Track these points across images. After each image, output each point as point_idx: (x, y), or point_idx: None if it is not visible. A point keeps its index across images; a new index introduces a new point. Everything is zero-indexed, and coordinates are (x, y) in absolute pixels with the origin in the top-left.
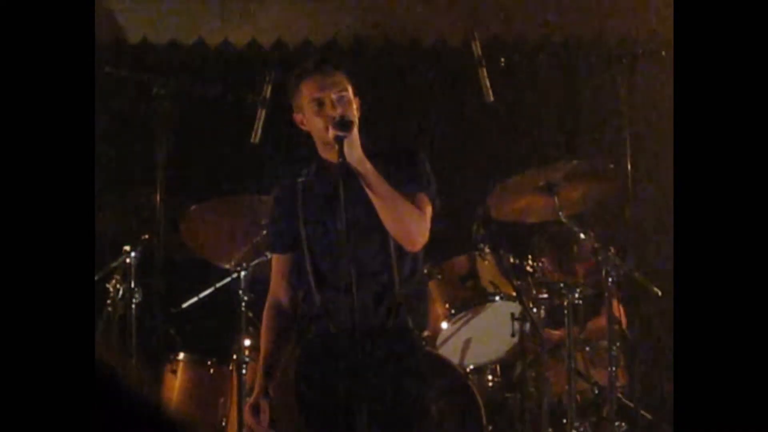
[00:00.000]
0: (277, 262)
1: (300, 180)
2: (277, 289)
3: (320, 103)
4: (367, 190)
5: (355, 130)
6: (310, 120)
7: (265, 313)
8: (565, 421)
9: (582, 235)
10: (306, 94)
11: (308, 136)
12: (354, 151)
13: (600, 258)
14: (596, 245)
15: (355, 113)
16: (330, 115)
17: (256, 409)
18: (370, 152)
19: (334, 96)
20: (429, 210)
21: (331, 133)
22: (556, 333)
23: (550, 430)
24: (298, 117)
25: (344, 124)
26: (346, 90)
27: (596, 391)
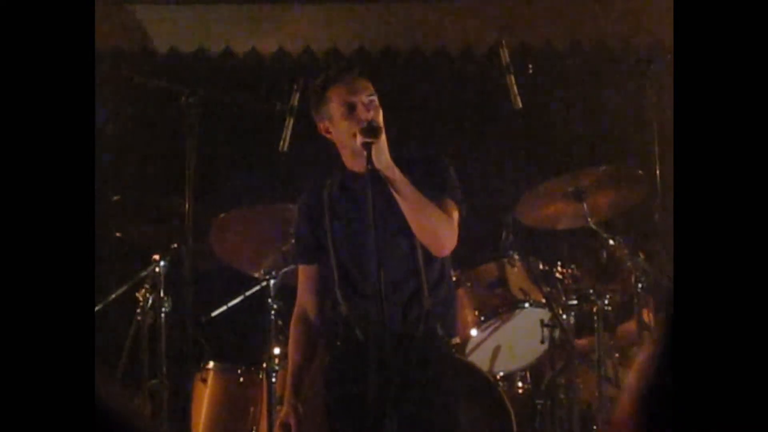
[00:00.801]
0: (303, 272)
1: (325, 189)
2: (304, 301)
3: (351, 107)
4: (396, 196)
5: (383, 136)
6: (337, 126)
7: (292, 326)
8: (595, 427)
9: (611, 241)
10: (335, 100)
11: (333, 145)
12: (382, 157)
13: (629, 264)
14: (625, 251)
15: (382, 119)
16: (360, 119)
17: (286, 428)
18: (396, 159)
19: (365, 99)
20: (456, 215)
21: (360, 139)
22: (581, 342)
23: None
24: (323, 125)
25: (372, 130)
26: (374, 95)
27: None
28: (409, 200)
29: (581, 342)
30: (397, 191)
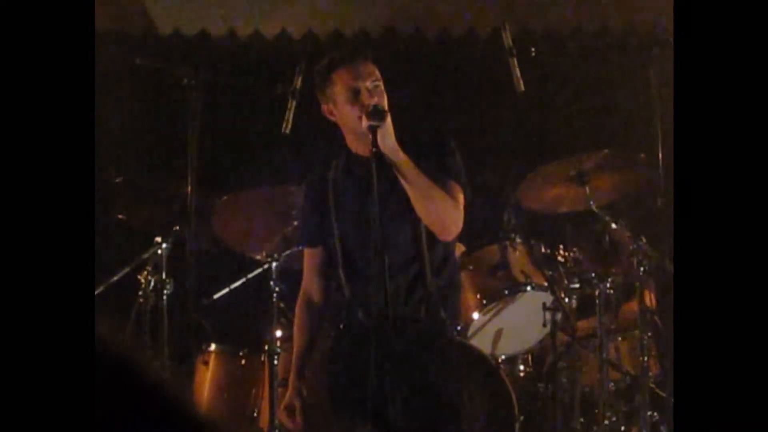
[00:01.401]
0: (308, 256)
1: (330, 173)
2: (309, 284)
3: (356, 92)
4: (401, 180)
5: (389, 119)
6: (342, 110)
7: (297, 309)
8: (597, 411)
9: (614, 225)
10: (339, 83)
11: (336, 127)
12: (387, 140)
13: (631, 247)
14: (627, 235)
15: (386, 102)
16: (365, 104)
17: (290, 410)
18: (401, 142)
19: (369, 85)
20: (461, 198)
21: (365, 122)
22: (583, 325)
23: (581, 420)
24: (327, 107)
25: (378, 113)
26: (380, 80)
27: (628, 381)
28: (413, 183)
29: (583, 325)
30: (401, 174)
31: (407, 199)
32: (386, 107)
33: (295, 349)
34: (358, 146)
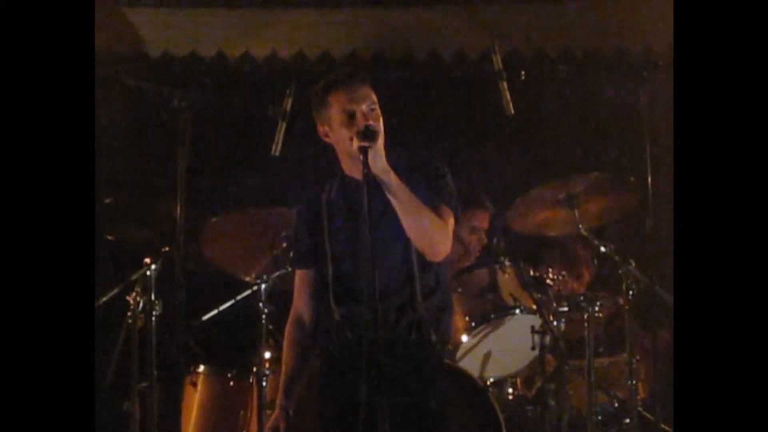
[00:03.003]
0: (299, 277)
1: (323, 194)
2: (300, 305)
3: (351, 115)
4: (392, 200)
5: (380, 141)
6: (336, 131)
7: (287, 329)
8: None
9: (602, 248)
10: (336, 105)
11: (330, 149)
12: (378, 161)
13: (620, 271)
14: (616, 258)
15: (381, 126)
16: (359, 127)
17: (275, 431)
18: (392, 164)
19: (365, 108)
20: (452, 221)
21: (356, 143)
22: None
23: None
24: (322, 129)
25: (369, 134)
26: (375, 103)
27: (616, 404)
28: (404, 205)
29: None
30: (392, 195)
31: (398, 222)
32: (380, 130)
33: (283, 370)
34: (352, 169)
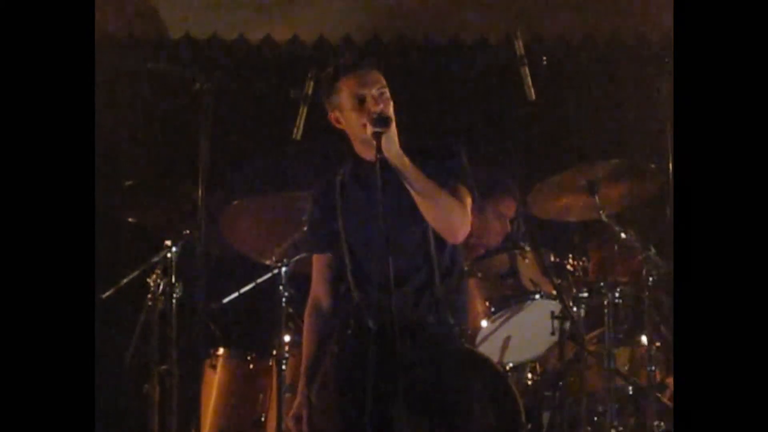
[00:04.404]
0: (317, 262)
1: (338, 178)
2: (318, 290)
3: (361, 100)
4: (407, 185)
5: (393, 126)
6: (347, 117)
7: (306, 315)
8: (604, 420)
9: (622, 234)
10: (346, 91)
11: (344, 133)
12: (392, 146)
13: (641, 257)
14: (637, 244)
15: (392, 110)
16: (370, 112)
17: (298, 418)
18: (408, 148)
19: (375, 92)
20: (469, 201)
21: (370, 129)
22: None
23: (588, 428)
24: (333, 115)
25: (382, 120)
26: (385, 87)
27: (631, 391)
28: (419, 188)
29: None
30: (406, 180)
31: (414, 205)
32: (391, 114)
33: (304, 356)
34: (365, 152)
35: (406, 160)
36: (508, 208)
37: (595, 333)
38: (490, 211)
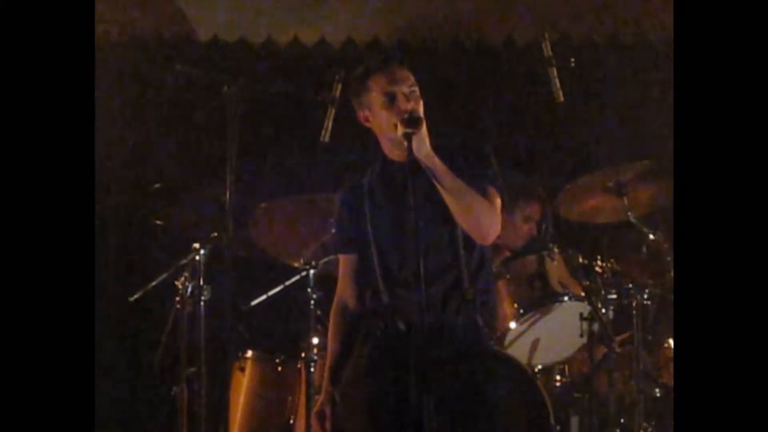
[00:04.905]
0: (343, 263)
1: (365, 179)
2: (344, 291)
3: (392, 98)
4: (437, 185)
5: (424, 127)
6: (377, 116)
7: (331, 316)
8: (632, 422)
9: (651, 236)
10: (376, 89)
11: (372, 133)
12: (422, 147)
13: (669, 259)
14: (665, 246)
15: (422, 108)
16: (401, 110)
17: (321, 417)
18: (437, 148)
19: (405, 90)
20: (498, 203)
21: (401, 129)
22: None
23: (617, 431)
24: (362, 114)
25: (414, 121)
26: (415, 86)
27: (657, 393)
28: (449, 189)
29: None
30: (437, 180)
31: (443, 205)
32: (422, 113)
33: (329, 356)
34: (394, 152)
35: (437, 160)
36: (535, 211)
37: (624, 335)
38: (518, 214)
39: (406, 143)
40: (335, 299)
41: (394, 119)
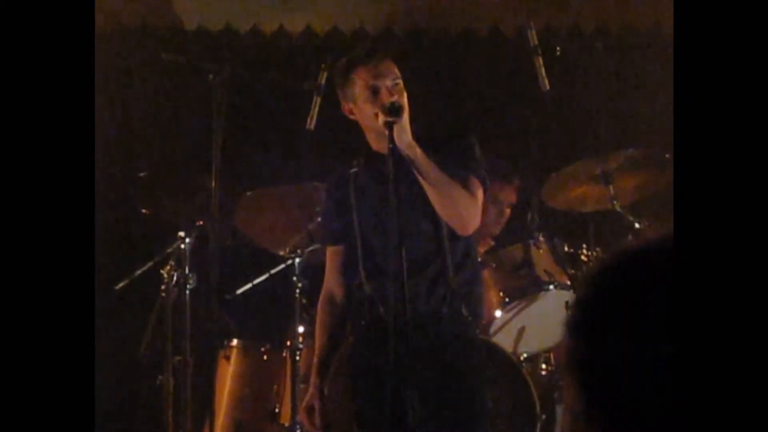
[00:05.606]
0: (330, 254)
1: (351, 170)
2: (332, 282)
3: (375, 91)
4: (417, 176)
5: (405, 116)
6: (361, 108)
7: (319, 307)
8: None
9: (637, 225)
10: (359, 82)
11: (358, 125)
12: (403, 136)
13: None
14: (650, 235)
15: (405, 100)
16: (383, 103)
17: (310, 410)
18: (420, 138)
19: (389, 83)
20: (480, 193)
21: (381, 118)
22: None
23: None
24: (347, 106)
25: (394, 110)
26: (399, 78)
27: None
28: (430, 179)
29: None
30: (418, 171)
31: (426, 197)
32: (404, 105)
33: (317, 348)
34: (379, 144)
35: (418, 150)
36: (509, 194)
37: None
38: (491, 199)
39: (387, 133)
40: (322, 291)
41: (376, 109)
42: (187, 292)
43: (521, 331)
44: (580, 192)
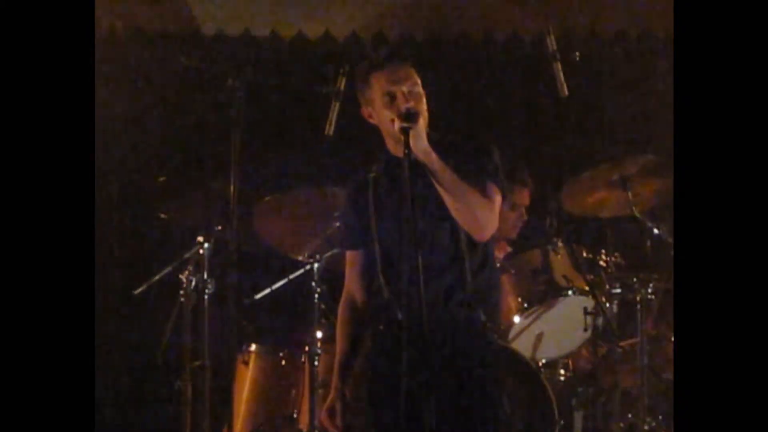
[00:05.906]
0: (350, 258)
1: (370, 175)
2: (351, 287)
3: (392, 97)
4: (434, 181)
5: (422, 122)
6: (378, 113)
7: (339, 311)
8: (637, 416)
9: (655, 230)
10: (377, 87)
11: (377, 129)
12: (419, 142)
13: (673, 253)
14: (669, 240)
15: (423, 106)
16: (400, 109)
17: (332, 413)
18: (439, 144)
19: (405, 89)
20: (498, 199)
21: (397, 124)
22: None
23: (621, 424)
24: (366, 111)
25: (410, 116)
26: (417, 83)
27: (662, 387)
28: (446, 185)
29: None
30: (433, 176)
31: (444, 202)
32: (422, 110)
33: (337, 351)
34: (398, 149)
35: (434, 155)
36: (522, 197)
37: (630, 340)
38: (505, 203)
39: (403, 138)
40: (343, 295)
41: (393, 115)
42: (206, 297)
43: (540, 337)
44: (598, 197)
